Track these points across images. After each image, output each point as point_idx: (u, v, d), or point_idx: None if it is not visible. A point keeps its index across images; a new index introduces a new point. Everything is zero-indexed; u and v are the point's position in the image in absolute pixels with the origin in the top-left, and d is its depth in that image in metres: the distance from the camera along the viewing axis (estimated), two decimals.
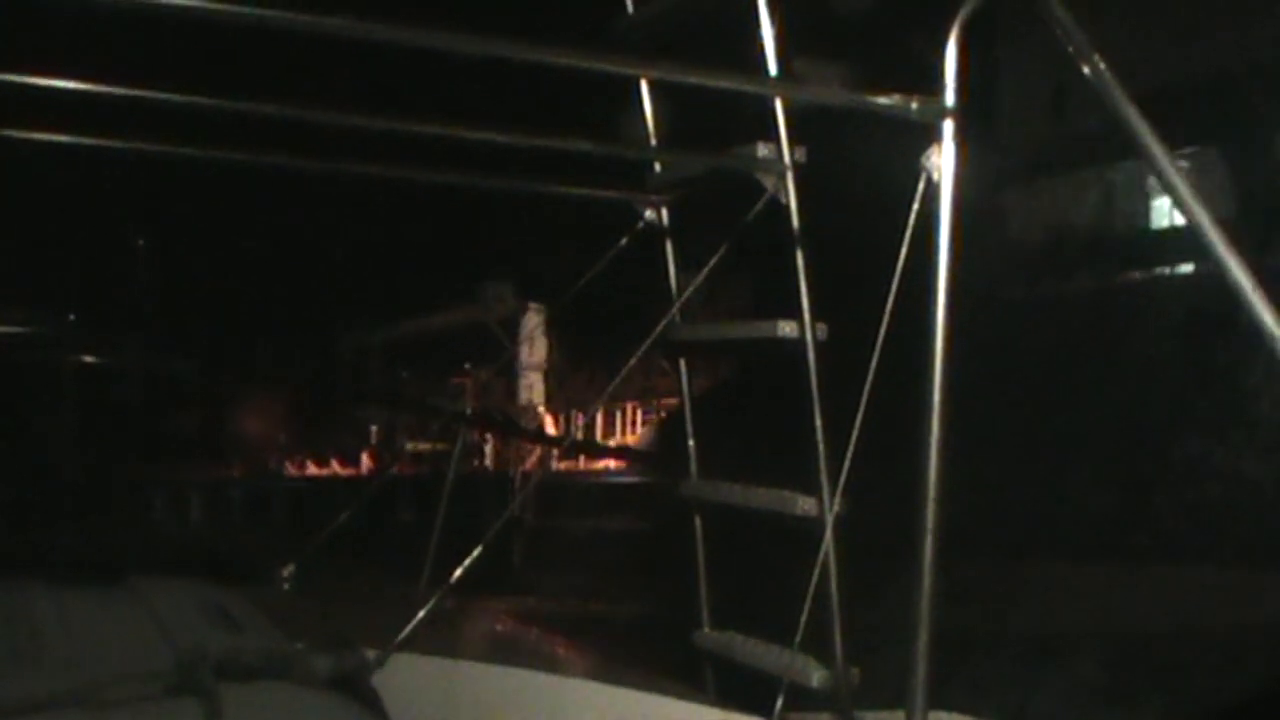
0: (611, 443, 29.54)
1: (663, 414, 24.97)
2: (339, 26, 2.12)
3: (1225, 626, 6.31)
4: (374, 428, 34.71)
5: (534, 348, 32.14)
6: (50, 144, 2.77)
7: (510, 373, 33.17)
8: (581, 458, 28.20)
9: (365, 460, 33.70)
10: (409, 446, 33.23)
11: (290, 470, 33.58)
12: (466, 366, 34.41)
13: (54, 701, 1.88)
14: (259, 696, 2.02)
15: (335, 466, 33.46)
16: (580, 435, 31.23)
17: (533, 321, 32.51)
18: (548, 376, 30.44)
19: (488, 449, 29.98)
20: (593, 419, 31.45)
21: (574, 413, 32.65)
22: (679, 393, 3.85)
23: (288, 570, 3.82)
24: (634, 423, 30.88)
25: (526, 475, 21.45)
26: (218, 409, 31.20)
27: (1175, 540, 7.55)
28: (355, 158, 3.23)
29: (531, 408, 28.34)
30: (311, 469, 33.77)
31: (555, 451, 28.57)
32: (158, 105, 2.70)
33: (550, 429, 28.71)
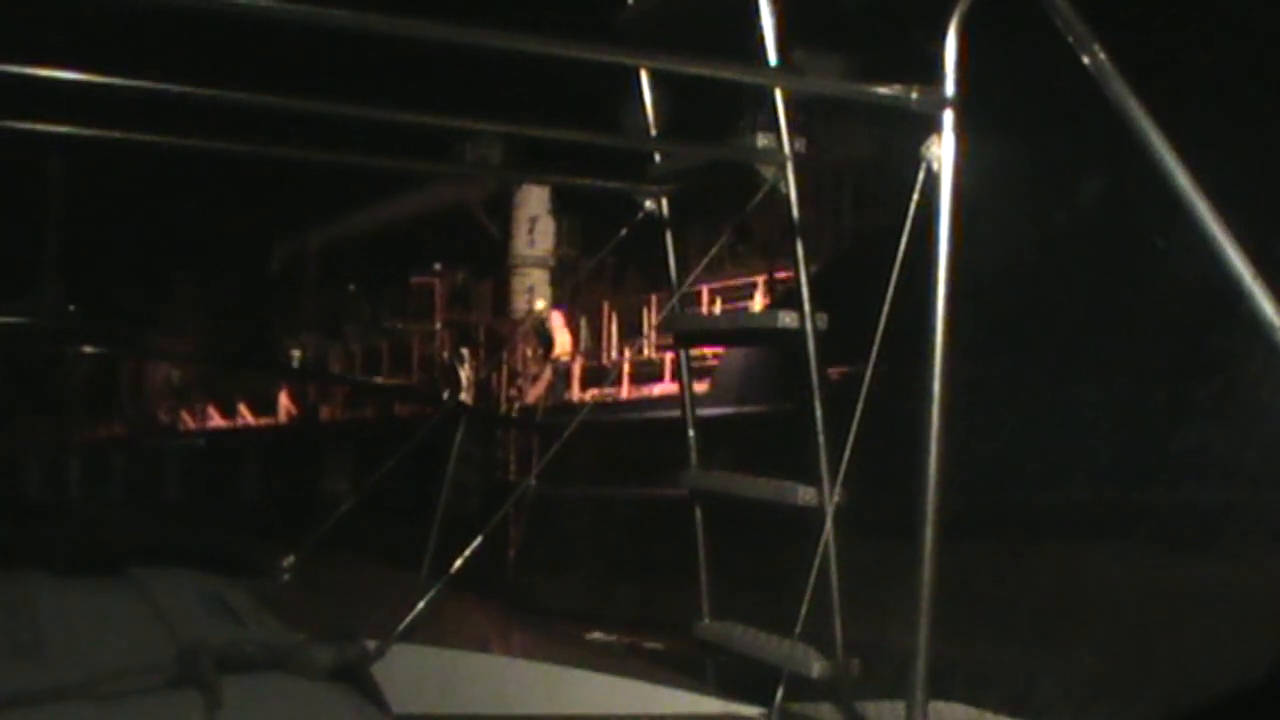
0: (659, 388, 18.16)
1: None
2: (345, 19, 2.13)
3: None
4: (294, 353, 27.16)
5: (536, 235, 21.27)
6: None
7: (500, 272, 21.75)
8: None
9: (284, 403, 25.87)
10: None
11: (188, 423, 27.28)
12: (436, 266, 25.01)
13: (56, 694, 1.88)
14: (259, 688, 2.02)
15: (245, 415, 27.22)
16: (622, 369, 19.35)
17: (534, 198, 21.00)
18: (555, 276, 20.41)
19: (464, 374, 18.94)
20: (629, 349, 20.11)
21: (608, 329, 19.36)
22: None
23: (287, 562, 3.81)
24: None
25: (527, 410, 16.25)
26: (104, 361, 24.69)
27: None
28: (355, 147, 3.23)
29: (538, 323, 18.36)
30: (216, 420, 27.49)
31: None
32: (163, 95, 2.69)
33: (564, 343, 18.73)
